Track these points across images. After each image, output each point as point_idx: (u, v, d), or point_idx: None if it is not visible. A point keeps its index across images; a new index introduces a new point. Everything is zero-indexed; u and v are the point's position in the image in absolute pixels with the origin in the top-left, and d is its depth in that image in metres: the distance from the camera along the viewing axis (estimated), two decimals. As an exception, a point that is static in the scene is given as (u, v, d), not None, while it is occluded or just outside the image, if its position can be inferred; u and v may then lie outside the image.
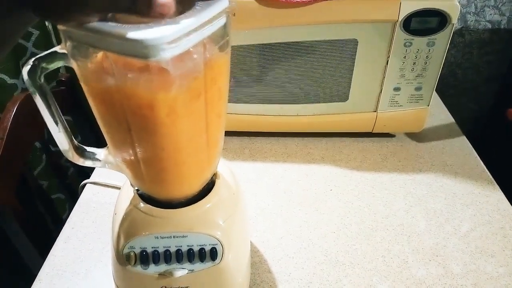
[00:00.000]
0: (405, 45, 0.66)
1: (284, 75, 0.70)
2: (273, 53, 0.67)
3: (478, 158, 0.75)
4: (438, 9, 0.63)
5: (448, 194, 0.68)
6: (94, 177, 0.71)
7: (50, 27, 0.96)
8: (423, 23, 0.64)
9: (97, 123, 1.01)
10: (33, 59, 0.32)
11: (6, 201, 0.70)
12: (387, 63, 0.68)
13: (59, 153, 1.10)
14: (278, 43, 0.66)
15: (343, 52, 0.67)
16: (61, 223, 0.88)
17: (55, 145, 1.06)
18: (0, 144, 0.71)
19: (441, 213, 0.64)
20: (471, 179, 0.70)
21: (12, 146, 0.73)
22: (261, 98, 0.73)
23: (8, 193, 0.71)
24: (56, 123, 0.36)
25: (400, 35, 0.65)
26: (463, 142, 0.79)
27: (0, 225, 0.72)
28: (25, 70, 0.32)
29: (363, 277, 0.55)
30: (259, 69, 0.70)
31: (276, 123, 0.76)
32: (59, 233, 0.62)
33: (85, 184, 0.70)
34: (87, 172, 1.00)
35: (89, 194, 0.68)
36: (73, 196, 0.97)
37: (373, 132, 0.77)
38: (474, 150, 0.77)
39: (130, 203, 0.43)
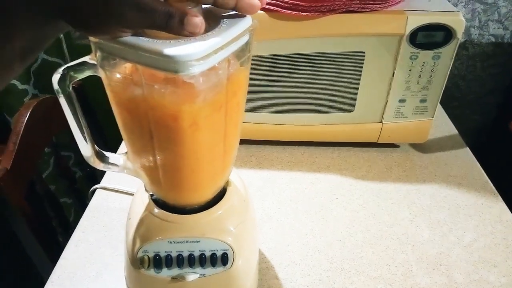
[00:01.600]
0: (411, 58, 0.68)
1: (292, 86, 0.72)
2: (281, 64, 0.69)
3: (481, 169, 0.76)
4: (444, 24, 0.64)
5: (452, 205, 0.69)
6: (104, 182, 0.73)
7: (62, 35, 0.98)
8: (429, 37, 0.66)
9: (106, 129, 1.01)
10: (62, 67, 0.33)
11: (17, 204, 0.71)
12: (393, 75, 0.70)
13: (67, 158, 1.11)
14: (287, 54, 0.68)
15: (350, 64, 0.69)
16: (69, 227, 0.89)
17: (64, 150, 1.07)
18: (13, 148, 0.72)
19: (445, 223, 0.65)
20: (474, 190, 0.72)
21: (24, 151, 0.75)
22: (269, 107, 0.75)
23: (19, 196, 0.73)
24: (81, 129, 0.37)
25: (406, 48, 0.67)
26: (466, 154, 0.80)
27: (11, 227, 0.74)
28: (55, 79, 0.33)
29: (368, 285, 0.56)
30: (268, 79, 0.71)
31: (283, 132, 0.78)
32: (67, 237, 0.63)
33: (95, 189, 0.71)
34: (95, 177, 1.02)
35: (99, 199, 0.70)
36: (81, 200, 0.98)
37: (378, 142, 0.78)
38: (477, 162, 0.78)
39: (145, 208, 0.44)
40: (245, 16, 0.33)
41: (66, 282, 0.56)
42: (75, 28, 0.29)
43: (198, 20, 0.28)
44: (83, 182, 1.07)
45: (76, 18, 0.28)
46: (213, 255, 0.43)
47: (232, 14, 0.33)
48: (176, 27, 0.28)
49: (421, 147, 0.81)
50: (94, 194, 0.71)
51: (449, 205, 0.69)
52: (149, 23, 0.28)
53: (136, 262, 0.43)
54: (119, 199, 0.69)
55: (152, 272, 0.44)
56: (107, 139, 1.04)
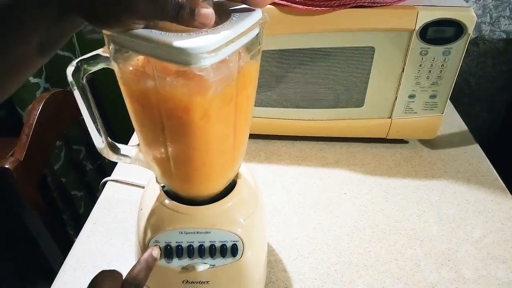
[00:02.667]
0: (421, 53, 0.67)
1: (301, 80, 0.72)
2: (291, 59, 0.69)
3: (491, 166, 0.76)
4: (454, 19, 0.64)
5: (461, 201, 0.69)
6: (114, 175, 0.73)
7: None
8: (439, 33, 0.66)
9: (114, 122, 1.02)
10: (76, 60, 0.34)
11: (29, 195, 0.73)
12: (403, 71, 0.69)
13: (78, 151, 1.12)
14: (297, 49, 0.68)
15: (360, 59, 0.69)
16: (79, 220, 0.90)
17: (75, 143, 1.09)
18: (26, 140, 0.74)
19: (454, 219, 0.65)
20: (484, 187, 0.71)
21: (36, 143, 0.76)
22: (278, 102, 0.75)
23: (32, 187, 0.74)
24: (94, 122, 0.38)
25: (417, 43, 0.66)
26: (476, 150, 0.80)
27: (22, 218, 0.75)
28: (69, 71, 0.34)
29: (376, 279, 0.56)
30: (277, 74, 0.71)
31: (292, 126, 0.78)
32: (78, 229, 0.64)
33: (106, 182, 0.72)
34: (105, 170, 1.03)
35: (110, 191, 0.71)
36: (91, 193, 1.00)
37: (387, 138, 0.78)
38: (487, 158, 0.78)
39: (156, 199, 0.45)
40: (255, 9, 0.34)
41: (77, 272, 0.57)
42: (90, 22, 0.29)
43: (209, 12, 0.28)
44: (93, 175, 1.08)
45: (90, 12, 0.29)
46: (223, 246, 0.44)
47: (243, 8, 0.34)
48: (187, 18, 0.28)
49: (430, 143, 0.81)
50: (105, 187, 0.72)
51: (458, 201, 0.69)
52: (160, 14, 0.28)
53: (147, 252, 0.44)
54: (129, 191, 0.70)
55: (163, 262, 0.44)
56: (114, 131, 1.05)
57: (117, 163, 0.76)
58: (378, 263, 0.58)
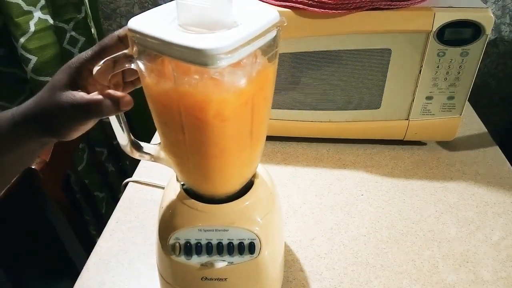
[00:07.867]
0: (438, 55, 0.67)
1: (318, 83, 0.73)
2: (308, 62, 0.70)
3: (511, 168, 0.75)
4: (472, 20, 0.64)
5: (480, 203, 0.68)
6: (136, 176, 0.76)
7: (96, 35, 1.02)
8: (457, 34, 0.65)
9: (136, 122, 1.05)
10: (103, 61, 0.35)
11: (54, 196, 0.75)
12: (420, 73, 0.70)
13: (100, 153, 1.15)
14: (314, 52, 0.69)
15: (376, 61, 0.69)
16: (101, 220, 0.93)
17: (98, 145, 1.12)
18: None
19: (472, 221, 0.65)
20: (504, 189, 0.71)
21: (61, 145, 0.79)
22: (295, 104, 0.76)
23: (56, 187, 0.77)
24: (119, 120, 0.40)
25: (434, 45, 0.66)
26: (495, 152, 0.79)
27: (47, 218, 0.78)
28: (95, 71, 0.35)
29: (393, 280, 0.56)
30: (294, 76, 0.72)
31: (309, 128, 0.79)
32: (100, 229, 0.66)
33: (127, 183, 0.74)
34: (126, 171, 1.05)
35: (131, 191, 0.73)
36: (112, 194, 1.02)
37: (405, 140, 0.78)
38: (506, 160, 0.77)
39: (176, 198, 0.46)
40: (272, 12, 0.35)
41: (101, 268, 0.59)
42: (55, 138, 0.39)
43: (129, 99, 0.35)
44: (115, 176, 1.11)
45: (53, 131, 0.38)
46: (240, 244, 0.45)
47: (260, 10, 0.35)
48: (112, 110, 0.35)
49: (449, 145, 0.80)
50: (127, 187, 0.74)
51: (477, 203, 0.68)
52: (89, 115, 0.36)
53: (168, 248, 0.45)
54: (150, 192, 0.72)
55: (182, 258, 0.45)
56: (137, 133, 1.08)
57: (138, 164, 0.78)
58: (395, 264, 0.58)
